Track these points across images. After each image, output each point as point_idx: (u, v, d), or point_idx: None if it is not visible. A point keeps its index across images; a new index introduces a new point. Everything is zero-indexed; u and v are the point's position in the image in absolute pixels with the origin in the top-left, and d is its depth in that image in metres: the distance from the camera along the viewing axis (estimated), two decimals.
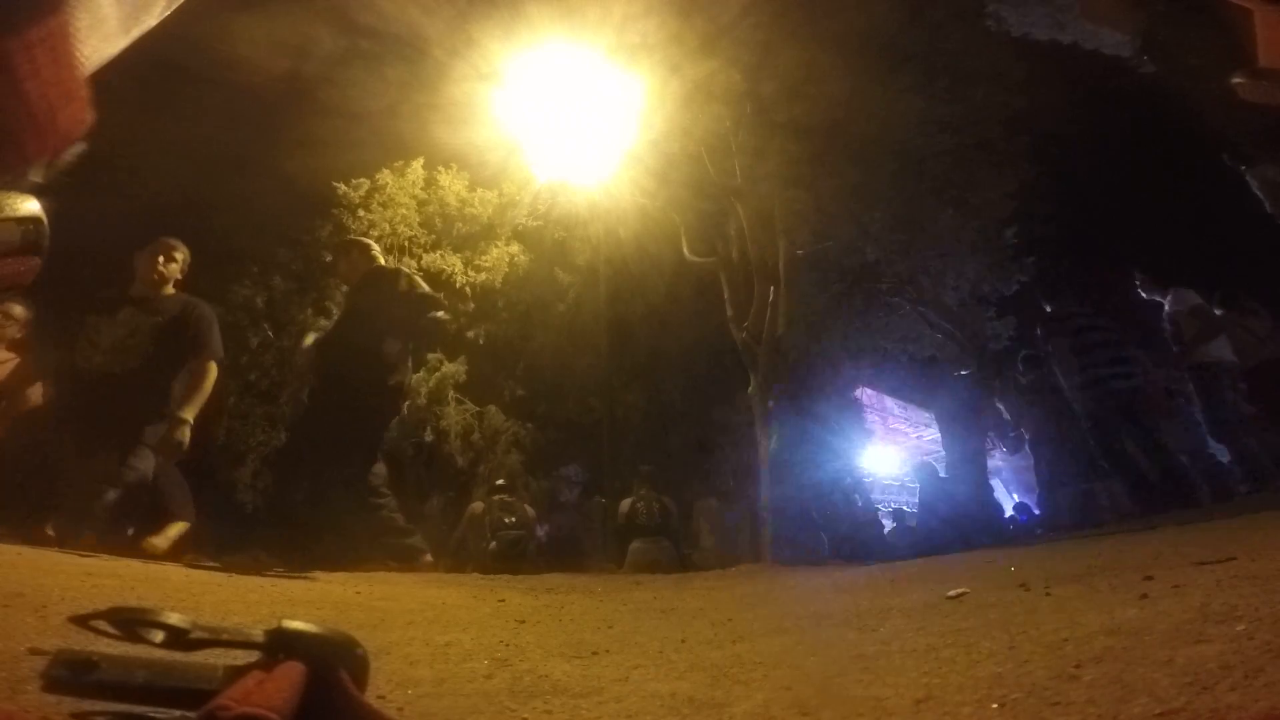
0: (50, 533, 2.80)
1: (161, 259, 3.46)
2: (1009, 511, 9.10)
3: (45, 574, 1.72)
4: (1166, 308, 5.01)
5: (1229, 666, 0.77)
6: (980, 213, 7.21)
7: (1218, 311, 5.00)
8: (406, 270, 4.12)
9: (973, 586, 1.77)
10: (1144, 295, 5.29)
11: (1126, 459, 4.79)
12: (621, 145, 7.00)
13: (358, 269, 3.94)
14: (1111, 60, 5.41)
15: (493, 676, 1.10)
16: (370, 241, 4.27)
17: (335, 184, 8.52)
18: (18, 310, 3.68)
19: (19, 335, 3.71)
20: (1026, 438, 6.27)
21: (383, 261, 4.06)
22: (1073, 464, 5.48)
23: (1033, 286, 7.46)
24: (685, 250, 7.15)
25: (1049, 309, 5.28)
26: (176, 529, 3.18)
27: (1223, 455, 5.49)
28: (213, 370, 3.36)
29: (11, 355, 3.66)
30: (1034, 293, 6.57)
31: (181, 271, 3.56)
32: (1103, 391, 4.78)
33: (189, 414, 3.19)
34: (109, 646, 0.56)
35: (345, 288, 4.16)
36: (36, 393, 3.55)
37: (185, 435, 3.13)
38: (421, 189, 8.90)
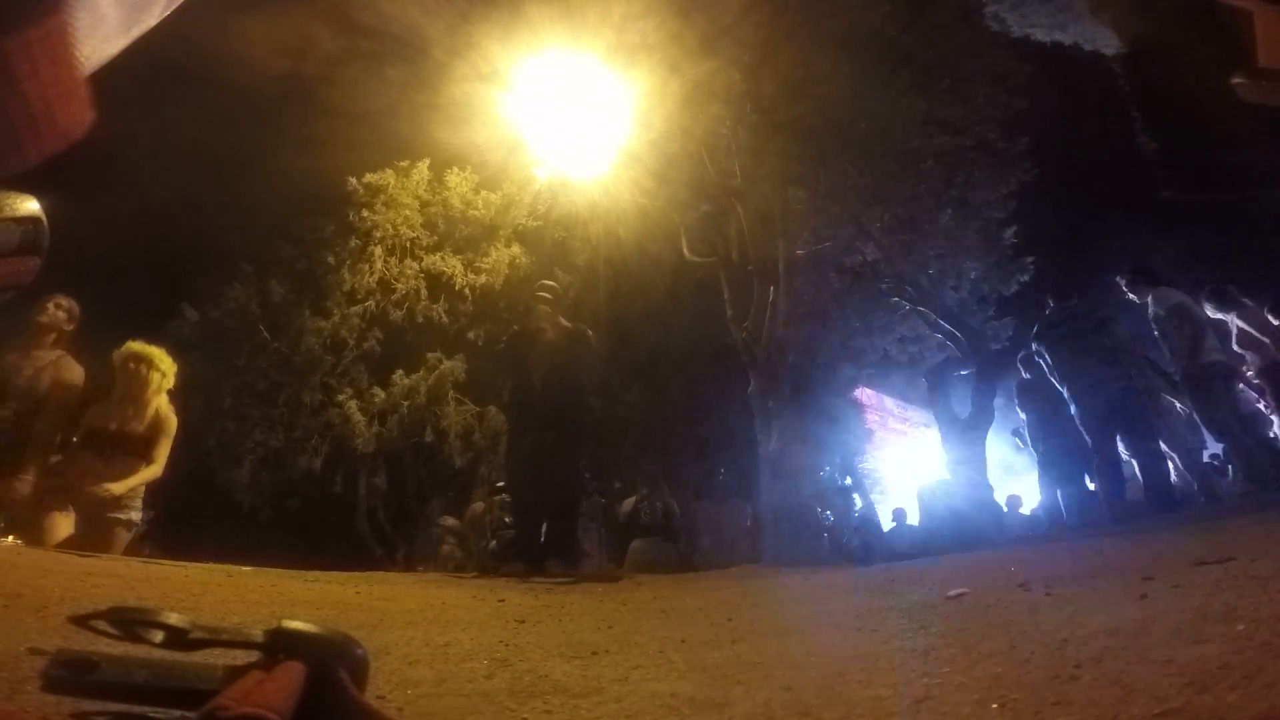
0: None
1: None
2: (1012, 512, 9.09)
3: (45, 574, 1.72)
4: (1150, 310, 4.94)
5: (1229, 666, 0.77)
6: (980, 213, 7.21)
7: (1210, 311, 4.96)
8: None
9: (973, 586, 1.77)
10: (1132, 296, 5.24)
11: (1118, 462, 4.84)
12: (622, 145, 7.00)
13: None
14: (1112, 61, 5.41)
15: (493, 676, 1.10)
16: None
17: (348, 178, 8.52)
18: (68, 302, 3.46)
19: (69, 327, 3.47)
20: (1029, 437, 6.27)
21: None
22: (1072, 463, 5.47)
23: (1032, 286, 7.45)
24: (685, 250, 7.15)
25: (1047, 310, 5.29)
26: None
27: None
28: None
29: (59, 352, 3.45)
30: (1033, 292, 6.57)
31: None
32: (1099, 397, 4.81)
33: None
34: (109, 646, 0.56)
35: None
36: (73, 392, 3.40)
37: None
38: (425, 190, 8.91)
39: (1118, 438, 4.97)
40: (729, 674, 1.09)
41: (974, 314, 7.59)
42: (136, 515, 3.38)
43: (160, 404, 3.50)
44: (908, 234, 6.88)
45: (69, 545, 3.00)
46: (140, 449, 3.40)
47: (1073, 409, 5.02)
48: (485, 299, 8.84)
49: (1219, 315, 4.95)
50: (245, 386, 8.22)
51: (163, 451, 3.48)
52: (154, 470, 3.45)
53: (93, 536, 3.14)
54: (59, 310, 3.42)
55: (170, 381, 3.56)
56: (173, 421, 3.53)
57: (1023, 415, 6.08)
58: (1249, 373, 5.03)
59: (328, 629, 0.57)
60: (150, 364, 3.48)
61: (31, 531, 3.10)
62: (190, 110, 7.73)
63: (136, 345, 3.51)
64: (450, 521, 7.50)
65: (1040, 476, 6.18)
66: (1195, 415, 5.01)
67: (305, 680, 0.50)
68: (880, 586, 2.35)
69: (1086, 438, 4.98)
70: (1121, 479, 4.96)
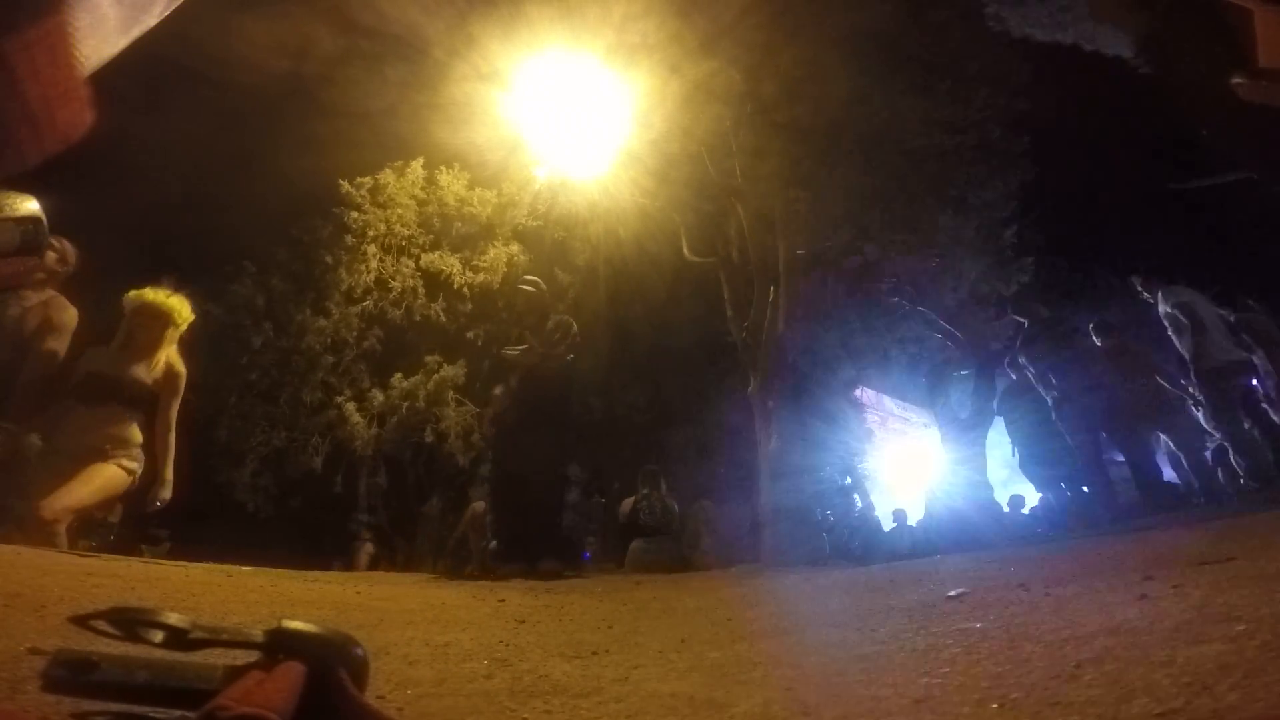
0: None
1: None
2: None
3: (45, 574, 1.72)
4: (1160, 308, 4.97)
5: (1229, 666, 0.77)
6: (980, 213, 7.20)
7: (1218, 310, 4.97)
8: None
9: (973, 586, 1.77)
10: (1146, 297, 5.27)
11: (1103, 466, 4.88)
12: (621, 145, 7.00)
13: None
14: (1112, 61, 5.40)
15: (493, 676, 1.10)
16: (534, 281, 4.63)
17: (340, 181, 8.55)
18: (59, 243, 3.15)
19: (60, 269, 3.16)
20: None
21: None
22: (1063, 465, 5.48)
23: (1031, 287, 7.46)
24: (685, 250, 7.15)
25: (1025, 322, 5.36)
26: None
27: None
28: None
29: (50, 292, 3.10)
30: (1029, 295, 6.60)
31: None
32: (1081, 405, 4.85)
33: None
34: (109, 646, 0.56)
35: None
36: (64, 334, 3.07)
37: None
38: (421, 189, 8.92)
39: (1109, 439, 5.00)
40: (729, 674, 1.09)
41: (974, 314, 7.59)
42: (134, 465, 3.10)
43: (169, 355, 3.17)
44: (908, 234, 6.88)
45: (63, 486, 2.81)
46: (143, 401, 3.10)
47: (1061, 413, 5.04)
48: (484, 298, 8.85)
49: (1225, 314, 4.97)
50: (248, 386, 8.24)
51: (174, 412, 3.18)
52: (172, 437, 3.16)
53: (84, 476, 2.89)
54: (48, 251, 3.12)
55: (182, 331, 3.23)
56: (183, 376, 3.21)
57: (1000, 418, 6.11)
58: (1256, 372, 5.05)
59: (328, 629, 0.57)
60: (169, 321, 3.15)
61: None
62: (188, 109, 7.74)
63: (156, 296, 3.16)
64: (365, 518, 8.01)
65: (1031, 477, 6.20)
66: (1202, 412, 5.03)
67: (305, 680, 0.50)
68: (880, 586, 2.34)
69: (1072, 440, 5.01)
70: (1110, 480, 4.99)
